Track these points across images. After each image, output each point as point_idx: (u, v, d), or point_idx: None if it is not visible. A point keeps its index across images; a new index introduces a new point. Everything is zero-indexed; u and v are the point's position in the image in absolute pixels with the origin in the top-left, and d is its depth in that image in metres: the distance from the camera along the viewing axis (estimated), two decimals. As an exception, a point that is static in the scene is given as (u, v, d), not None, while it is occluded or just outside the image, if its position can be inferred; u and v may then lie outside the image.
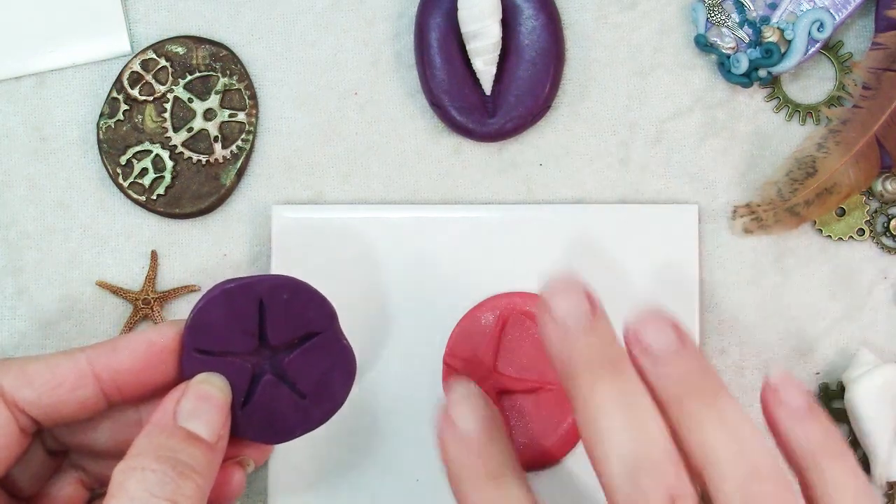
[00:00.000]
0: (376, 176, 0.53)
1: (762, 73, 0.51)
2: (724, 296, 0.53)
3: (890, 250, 0.52)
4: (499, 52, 0.52)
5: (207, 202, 0.53)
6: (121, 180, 0.53)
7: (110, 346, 0.43)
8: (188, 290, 0.53)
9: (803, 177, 0.51)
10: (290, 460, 0.51)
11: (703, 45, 0.52)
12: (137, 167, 0.53)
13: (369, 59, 0.54)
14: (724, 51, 0.52)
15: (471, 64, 0.52)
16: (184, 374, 0.43)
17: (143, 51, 0.53)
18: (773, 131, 0.53)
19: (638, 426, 0.38)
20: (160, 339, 0.43)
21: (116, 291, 0.53)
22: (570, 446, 0.51)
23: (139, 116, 0.53)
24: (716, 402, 0.39)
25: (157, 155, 0.53)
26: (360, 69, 0.54)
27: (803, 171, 0.51)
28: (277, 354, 0.44)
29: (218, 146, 0.53)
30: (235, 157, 0.53)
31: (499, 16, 0.52)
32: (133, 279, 0.53)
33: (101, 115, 0.53)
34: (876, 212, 0.52)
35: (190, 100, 0.53)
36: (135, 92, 0.53)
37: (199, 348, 0.43)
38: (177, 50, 0.53)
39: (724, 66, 0.52)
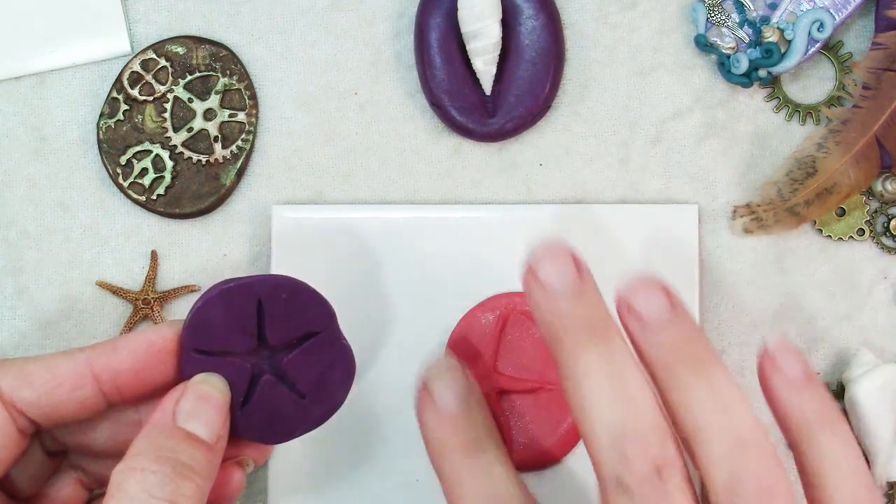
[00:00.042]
0: (376, 176, 0.53)
1: (762, 73, 0.51)
2: (724, 296, 0.53)
3: (890, 250, 0.52)
4: (499, 52, 0.52)
5: (207, 202, 0.53)
6: (121, 180, 0.53)
7: (109, 347, 0.43)
8: (188, 290, 0.53)
9: (803, 177, 0.51)
10: (290, 460, 0.51)
11: (703, 45, 0.52)
12: (137, 167, 0.53)
13: (369, 59, 0.54)
14: (724, 51, 0.52)
15: (471, 64, 0.52)
16: (183, 374, 0.43)
17: (143, 51, 0.53)
18: (773, 131, 0.53)
19: (624, 395, 0.38)
20: (159, 339, 0.43)
21: (116, 291, 0.53)
22: (570, 446, 0.51)
23: (139, 116, 0.53)
24: (706, 370, 0.39)
25: (157, 155, 0.53)
26: (360, 69, 0.54)
27: (803, 171, 0.51)
28: (276, 354, 0.44)
29: (218, 146, 0.53)
30: (235, 157, 0.53)
31: (499, 16, 0.52)
32: (133, 279, 0.53)
33: (101, 115, 0.53)
34: (876, 212, 0.52)
35: (190, 100, 0.53)
36: (135, 92, 0.53)
37: (198, 348, 0.43)
38: (177, 50, 0.53)
39: (724, 66, 0.52)
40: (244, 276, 0.44)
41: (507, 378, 0.51)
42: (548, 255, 0.40)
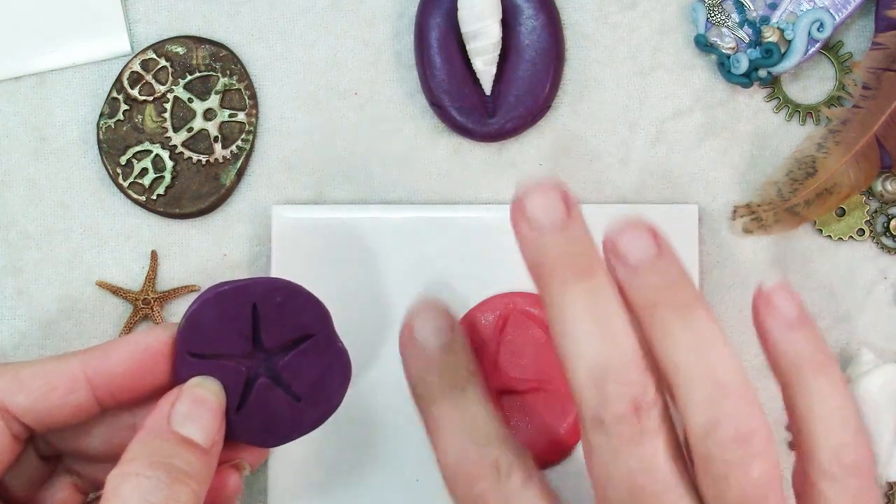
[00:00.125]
0: (376, 176, 0.53)
1: (762, 73, 0.51)
2: (724, 296, 0.53)
3: (890, 250, 0.52)
4: (499, 52, 0.52)
5: (207, 202, 0.53)
6: (121, 180, 0.53)
7: (103, 351, 0.43)
8: (188, 290, 0.53)
9: (803, 177, 0.51)
10: (290, 460, 0.51)
11: (703, 45, 0.52)
12: (137, 167, 0.53)
13: (369, 59, 0.54)
14: (724, 51, 0.52)
15: (471, 64, 0.52)
16: (178, 377, 0.43)
17: (143, 51, 0.53)
18: (773, 131, 0.53)
19: (605, 333, 0.38)
20: (153, 342, 0.43)
21: (116, 291, 0.53)
22: (570, 447, 0.51)
23: (139, 116, 0.53)
24: (689, 313, 0.38)
25: (157, 155, 0.53)
26: (360, 69, 0.54)
27: (803, 171, 0.51)
28: (272, 357, 0.43)
29: (218, 146, 0.53)
30: (235, 157, 0.53)
31: (499, 16, 0.52)
32: (133, 279, 0.53)
33: (101, 115, 0.53)
34: (876, 212, 0.52)
35: (190, 100, 0.53)
36: (135, 92, 0.53)
37: (193, 352, 0.43)
38: (177, 50, 0.53)
39: (724, 66, 0.52)
40: (238, 278, 0.44)
41: (507, 378, 0.51)
42: (536, 190, 0.39)
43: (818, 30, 0.51)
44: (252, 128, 0.53)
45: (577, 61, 0.53)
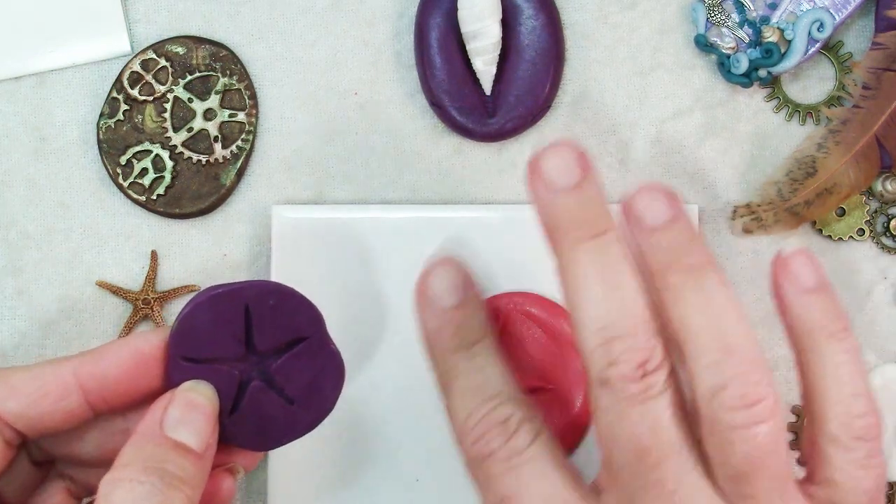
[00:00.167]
0: (376, 176, 0.53)
1: (762, 73, 0.51)
2: (724, 296, 0.52)
3: (890, 250, 0.52)
4: (499, 52, 0.52)
5: (207, 202, 0.53)
6: (121, 180, 0.53)
7: (95, 356, 0.43)
8: (188, 290, 0.53)
9: (803, 177, 0.51)
10: (289, 460, 0.51)
11: (703, 45, 0.52)
12: (137, 167, 0.53)
13: (369, 59, 0.54)
14: (724, 51, 0.52)
15: (471, 64, 0.52)
16: (170, 382, 0.43)
17: (143, 51, 0.53)
18: (773, 131, 0.53)
19: (614, 293, 0.38)
20: (145, 346, 0.43)
21: (116, 291, 0.53)
22: (570, 447, 0.51)
23: (139, 116, 0.53)
24: (700, 276, 0.38)
25: (157, 155, 0.53)
26: (360, 69, 0.54)
27: (803, 171, 0.51)
28: (265, 360, 0.43)
29: (218, 146, 0.53)
30: (235, 157, 0.53)
31: (499, 16, 0.52)
32: (133, 279, 0.53)
33: (101, 115, 0.53)
34: (876, 212, 0.52)
35: (190, 100, 0.53)
36: (135, 92, 0.53)
37: (185, 356, 0.42)
38: (177, 50, 0.53)
39: (724, 66, 0.52)
40: (229, 281, 0.44)
41: (507, 378, 0.51)
42: (551, 151, 0.39)
43: (818, 30, 0.51)
44: (252, 128, 0.53)
45: (577, 61, 0.53)
